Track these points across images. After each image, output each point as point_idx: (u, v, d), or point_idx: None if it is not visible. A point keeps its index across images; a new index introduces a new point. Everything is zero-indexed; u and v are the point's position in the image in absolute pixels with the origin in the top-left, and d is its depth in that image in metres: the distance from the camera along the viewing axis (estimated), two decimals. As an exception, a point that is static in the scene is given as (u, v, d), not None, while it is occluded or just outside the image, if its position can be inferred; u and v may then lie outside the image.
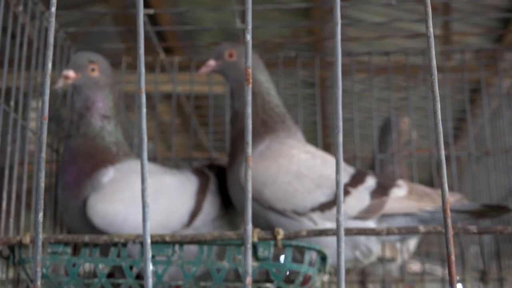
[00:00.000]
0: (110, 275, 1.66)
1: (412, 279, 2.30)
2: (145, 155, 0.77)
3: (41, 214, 0.79)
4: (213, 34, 6.73)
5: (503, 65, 2.63)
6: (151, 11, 2.31)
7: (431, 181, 5.35)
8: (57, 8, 0.84)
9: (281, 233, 1.52)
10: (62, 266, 2.10)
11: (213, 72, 2.03)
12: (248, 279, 0.76)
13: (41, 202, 0.79)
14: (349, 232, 1.52)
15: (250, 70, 0.79)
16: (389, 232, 1.49)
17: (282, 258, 1.60)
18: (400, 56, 2.64)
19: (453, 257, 0.79)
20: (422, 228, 1.55)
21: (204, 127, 4.69)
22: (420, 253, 2.31)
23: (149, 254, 0.76)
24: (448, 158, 2.53)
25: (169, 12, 5.30)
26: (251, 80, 0.79)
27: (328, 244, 1.77)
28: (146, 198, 0.76)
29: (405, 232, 1.52)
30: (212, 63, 2.00)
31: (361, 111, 3.30)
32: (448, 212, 0.84)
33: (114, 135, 1.95)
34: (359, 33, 5.50)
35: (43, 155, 0.81)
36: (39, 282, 0.78)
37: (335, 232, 1.64)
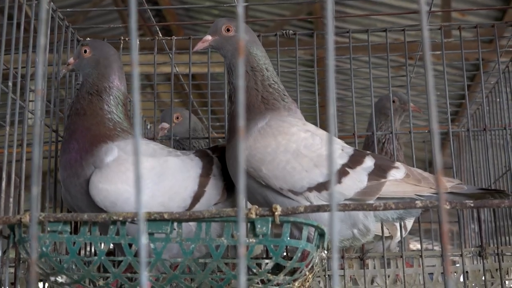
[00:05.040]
0: (109, 254, 1.67)
1: (411, 255, 2.31)
2: (138, 129, 0.77)
3: (36, 188, 0.80)
4: (213, 14, 6.73)
5: (501, 42, 2.62)
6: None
7: (430, 160, 5.37)
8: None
9: (278, 209, 1.52)
10: (64, 245, 2.12)
11: (210, 47, 2.00)
12: (242, 249, 0.76)
13: (38, 175, 0.80)
14: (347, 207, 1.52)
15: (243, 43, 0.80)
16: (386, 207, 1.48)
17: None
18: (398, 34, 2.63)
19: (446, 227, 0.80)
20: (419, 203, 1.54)
21: (203, 107, 4.70)
22: (419, 231, 2.32)
23: (144, 226, 0.76)
24: (446, 135, 2.54)
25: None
26: (244, 53, 0.79)
27: (326, 222, 1.78)
28: (140, 171, 0.77)
29: (402, 207, 1.52)
30: (208, 38, 1.97)
31: (359, 89, 3.30)
32: (442, 182, 0.85)
33: (108, 111, 1.96)
34: (358, 12, 5.49)
35: (39, 122, 0.81)
36: (34, 256, 0.79)
37: (332, 208, 1.65)
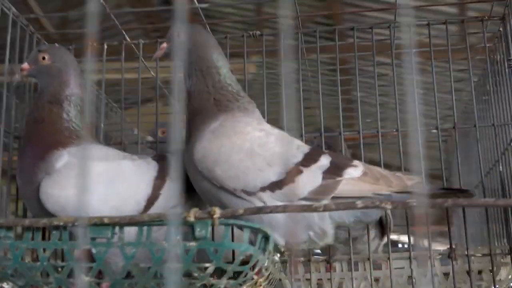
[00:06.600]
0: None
1: (379, 257, 2.25)
2: None
3: None
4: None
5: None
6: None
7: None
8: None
9: (217, 212, 1.48)
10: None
11: (165, 55, 2.01)
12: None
13: None
14: (287, 208, 1.47)
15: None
16: (326, 208, 1.44)
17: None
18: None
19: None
20: (359, 203, 1.49)
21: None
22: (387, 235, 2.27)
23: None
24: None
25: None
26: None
27: (275, 224, 1.74)
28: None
29: (343, 208, 1.47)
30: (164, 45, 1.99)
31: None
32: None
33: (66, 120, 1.95)
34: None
35: None
36: None
37: (272, 210, 1.60)
